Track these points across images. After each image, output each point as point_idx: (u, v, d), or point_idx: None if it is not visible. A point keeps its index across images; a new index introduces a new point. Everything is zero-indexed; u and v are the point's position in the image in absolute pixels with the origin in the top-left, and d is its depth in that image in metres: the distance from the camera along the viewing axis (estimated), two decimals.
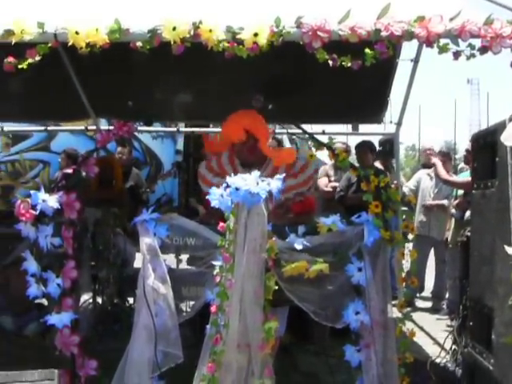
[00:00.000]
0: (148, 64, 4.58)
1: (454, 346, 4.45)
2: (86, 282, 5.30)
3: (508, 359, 2.69)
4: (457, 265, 6.36)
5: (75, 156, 6.51)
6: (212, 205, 2.75)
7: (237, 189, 2.63)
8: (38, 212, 2.94)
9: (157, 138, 8.45)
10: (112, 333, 5.05)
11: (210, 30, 3.05)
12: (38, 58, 3.18)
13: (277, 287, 2.82)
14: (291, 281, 2.90)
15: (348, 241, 3.00)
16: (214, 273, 2.80)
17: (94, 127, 6.38)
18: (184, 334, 3.15)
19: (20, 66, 3.17)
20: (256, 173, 2.69)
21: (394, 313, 3.22)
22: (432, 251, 7.28)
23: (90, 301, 5.54)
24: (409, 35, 2.96)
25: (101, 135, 3.34)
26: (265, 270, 2.77)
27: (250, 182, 2.63)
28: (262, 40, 3.03)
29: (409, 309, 3.26)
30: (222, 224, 2.76)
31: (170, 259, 3.22)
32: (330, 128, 6.32)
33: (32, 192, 2.99)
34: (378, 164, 6.65)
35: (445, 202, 6.93)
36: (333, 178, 6.77)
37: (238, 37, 3.06)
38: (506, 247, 2.59)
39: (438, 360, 4.57)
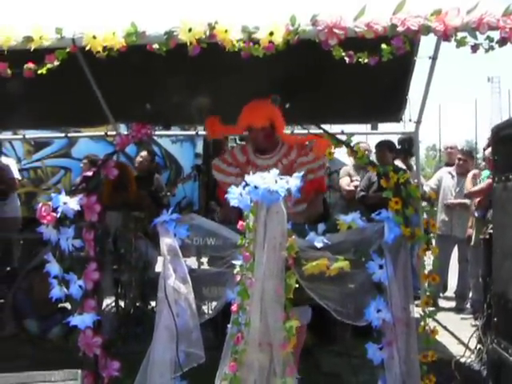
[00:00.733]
0: (165, 67, 4.61)
1: (479, 346, 4.41)
2: (108, 286, 5.34)
3: None
4: (479, 263, 6.33)
5: (97, 162, 6.57)
6: (231, 204, 2.75)
7: (255, 187, 2.63)
8: (59, 214, 2.96)
9: (176, 142, 8.50)
10: (135, 335, 5.09)
11: (226, 31, 3.06)
12: (56, 63, 3.21)
13: (297, 285, 2.82)
14: (312, 279, 2.89)
15: (368, 238, 2.98)
16: (235, 272, 2.80)
17: (114, 132, 6.44)
18: (206, 336, 3.16)
19: (39, 72, 3.20)
20: (275, 171, 2.69)
21: (417, 312, 3.19)
22: (455, 251, 7.21)
23: (113, 304, 5.58)
24: (425, 29, 2.93)
25: (120, 138, 3.36)
26: (285, 268, 2.77)
27: (268, 180, 2.63)
28: (278, 39, 3.04)
29: (432, 308, 3.22)
30: (241, 223, 2.76)
31: (190, 260, 3.24)
32: (349, 128, 6.30)
33: (53, 195, 3.02)
34: (398, 163, 6.61)
35: (467, 200, 6.86)
36: (354, 178, 6.74)
37: (253, 36, 3.07)
38: None
39: (462, 360, 4.53)
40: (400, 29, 2.94)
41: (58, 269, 3.04)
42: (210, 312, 5.02)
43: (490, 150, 5.59)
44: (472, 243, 6.57)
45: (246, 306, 2.74)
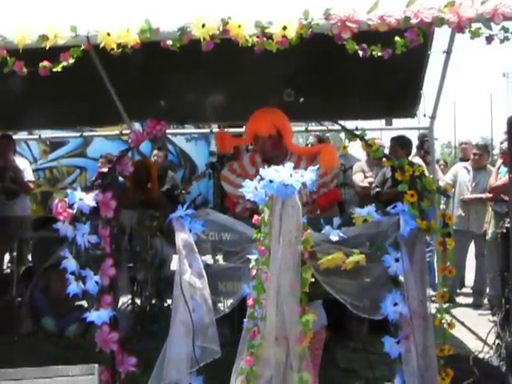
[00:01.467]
0: (178, 65, 4.64)
1: (497, 341, 4.37)
2: (124, 284, 5.37)
3: None
4: (496, 258, 6.29)
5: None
6: (246, 198, 2.75)
7: (270, 181, 2.62)
8: (75, 211, 2.98)
9: (190, 140, 8.53)
10: (150, 333, 5.11)
11: (239, 26, 3.08)
12: (71, 61, 3.23)
13: (313, 279, 2.81)
14: (328, 273, 2.87)
15: (384, 231, 2.96)
16: (250, 266, 2.80)
17: (129, 131, 6.47)
18: (222, 332, 3.15)
19: (54, 69, 3.23)
20: (290, 164, 2.69)
21: (433, 308, 3.17)
22: (471, 246, 7.16)
23: (129, 302, 5.61)
24: (439, 21, 2.92)
25: (134, 135, 3.37)
26: (301, 262, 2.76)
27: (283, 173, 2.62)
28: (291, 33, 3.04)
29: (449, 304, 3.19)
30: (256, 217, 2.76)
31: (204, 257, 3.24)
32: (363, 124, 6.28)
33: (69, 191, 3.04)
34: (418, 160, 6.56)
35: (483, 195, 6.81)
36: (368, 174, 6.71)
37: (267, 31, 3.08)
38: None
39: (481, 355, 4.50)
40: (413, 21, 2.93)
41: (75, 265, 3.04)
42: (226, 309, 5.10)
43: (506, 144, 5.54)
44: (488, 238, 6.53)
45: (261, 301, 2.73)
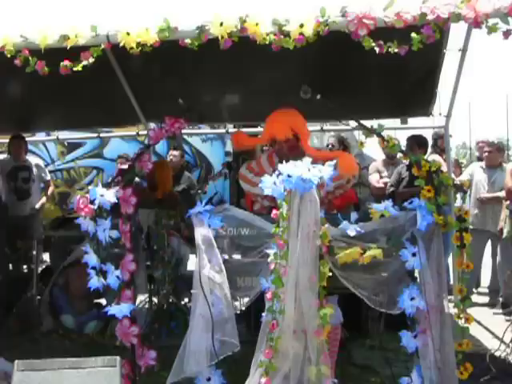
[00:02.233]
0: (195, 65, 4.69)
1: None
2: (142, 282, 5.42)
3: None
4: (510, 257, 6.28)
5: None
6: (265, 193, 2.79)
7: (289, 176, 2.66)
8: (96, 206, 3.03)
9: (206, 140, 8.58)
10: (168, 330, 5.14)
11: (257, 24, 3.12)
12: (91, 60, 3.29)
13: (330, 274, 2.84)
14: (345, 268, 2.91)
15: (401, 226, 2.99)
16: (269, 260, 2.84)
17: (145, 132, 6.53)
18: (239, 330, 3.19)
19: (75, 69, 3.29)
20: (307, 159, 2.72)
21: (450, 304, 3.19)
22: (487, 245, 7.13)
23: (146, 300, 5.66)
24: (456, 17, 2.94)
25: (153, 132, 3.42)
26: (319, 256, 2.79)
27: (301, 168, 2.66)
28: (308, 31, 3.07)
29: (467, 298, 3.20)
30: (275, 211, 2.80)
31: None
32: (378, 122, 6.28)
33: (90, 187, 3.09)
34: (436, 156, 6.53)
35: (500, 193, 6.77)
36: (384, 174, 6.70)
37: (284, 29, 3.12)
38: None
39: (497, 353, 4.50)
40: (430, 17, 2.95)
41: (96, 259, 3.09)
42: (243, 307, 5.13)
43: None
44: (503, 237, 6.50)
45: (280, 294, 2.78)
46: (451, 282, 5.88)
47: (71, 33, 3.29)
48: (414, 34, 3.03)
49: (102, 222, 3.07)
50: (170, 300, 5.55)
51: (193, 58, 4.29)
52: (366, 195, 6.90)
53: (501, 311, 6.53)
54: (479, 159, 7.62)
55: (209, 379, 3.15)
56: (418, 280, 2.97)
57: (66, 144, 8.77)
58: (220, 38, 3.13)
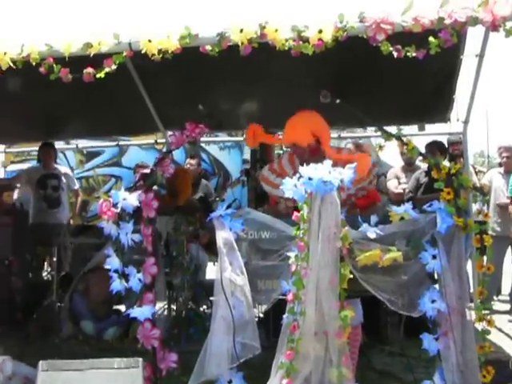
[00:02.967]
0: (214, 73, 4.74)
1: None
2: (161, 289, 5.46)
3: None
4: None
5: None
6: (286, 195, 2.82)
7: (310, 178, 2.69)
8: (119, 210, 3.08)
9: (224, 148, 8.63)
10: (187, 336, 5.17)
11: (276, 30, 3.16)
12: (114, 67, 3.35)
13: (351, 276, 2.85)
14: (365, 270, 2.92)
15: (421, 229, 3.00)
16: (290, 262, 2.86)
17: (163, 140, 6.60)
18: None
19: (98, 75, 3.35)
20: (328, 162, 2.75)
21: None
22: (508, 252, 7.08)
23: (165, 307, 5.69)
24: (473, 21, 2.95)
25: (175, 137, 3.47)
26: (339, 258, 2.81)
27: (322, 171, 2.69)
28: (327, 36, 3.11)
29: (486, 312, 3.19)
30: (296, 214, 2.82)
31: None
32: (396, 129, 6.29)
33: (113, 191, 3.14)
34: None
35: None
36: (402, 180, 6.70)
37: (303, 34, 3.16)
38: None
39: None
40: (447, 21, 2.98)
41: (118, 263, 3.12)
42: (261, 314, 5.15)
43: None
44: None
45: (301, 296, 2.79)
46: (471, 289, 5.85)
47: (94, 41, 3.36)
48: (431, 39, 3.05)
49: (125, 226, 3.12)
50: (189, 306, 5.59)
51: (211, 65, 4.34)
52: (383, 202, 6.90)
53: None
54: (500, 165, 7.59)
55: (230, 382, 3.17)
56: (439, 282, 2.97)
57: (85, 152, 8.88)
58: (240, 44, 3.18)
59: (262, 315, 5.22)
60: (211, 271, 6.05)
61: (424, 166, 6.27)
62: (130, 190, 3.17)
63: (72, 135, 7.02)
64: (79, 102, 5.41)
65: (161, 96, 5.56)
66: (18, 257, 6.11)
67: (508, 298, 7.23)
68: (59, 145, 7.18)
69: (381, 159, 7.12)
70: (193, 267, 5.70)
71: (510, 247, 7.00)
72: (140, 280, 3.15)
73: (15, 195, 8.02)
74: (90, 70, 3.36)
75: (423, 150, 6.55)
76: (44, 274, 6.51)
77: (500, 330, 5.69)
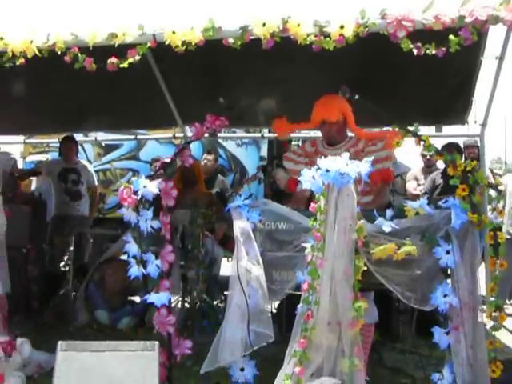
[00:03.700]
0: (233, 70, 4.80)
1: None
2: (176, 282, 5.53)
3: None
4: None
5: None
6: (303, 187, 2.87)
7: (327, 170, 2.74)
8: (139, 197, 3.14)
9: (241, 145, 8.68)
10: (200, 328, 5.23)
11: (298, 25, 3.21)
12: (137, 58, 3.41)
13: (365, 268, 2.89)
14: (379, 263, 2.96)
15: (436, 224, 3.03)
16: (306, 252, 2.90)
17: (182, 135, 6.67)
18: None
19: (121, 65, 3.42)
20: (346, 154, 2.79)
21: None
22: None
23: (180, 299, 5.76)
24: (494, 20, 2.98)
25: (195, 128, 3.53)
26: (354, 250, 2.85)
27: (340, 163, 2.73)
28: (348, 32, 3.15)
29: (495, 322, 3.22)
30: (313, 205, 2.86)
31: None
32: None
33: (134, 179, 3.20)
34: None
35: None
36: (421, 182, 6.71)
37: (324, 30, 3.20)
38: None
39: None
40: (468, 20, 3.01)
41: (137, 249, 3.18)
42: (274, 310, 5.19)
43: None
44: None
45: (316, 286, 2.83)
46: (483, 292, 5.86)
47: (119, 31, 3.42)
48: (451, 37, 3.08)
49: (144, 213, 3.17)
50: (203, 299, 5.65)
51: (231, 61, 4.41)
52: (398, 203, 6.90)
53: None
54: None
55: (242, 369, 3.23)
56: (451, 277, 3.00)
57: (103, 145, 8.97)
58: (262, 37, 3.23)
59: (275, 310, 5.27)
60: (225, 267, 6.11)
61: (442, 167, 6.29)
62: (150, 178, 3.22)
63: (91, 128, 7.09)
64: (99, 95, 5.49)
65: (180, 91, 5.62)
66: (36, 246, 6.22)
67: None
68: (78, 137, 7.26)
69: (397, 160, 7.13)
70: (208, 261, 5.77)
71: None
72: (158, 266, 3.20)
73: (33, 185, 8.13)
74: (114, 59, 3.42)
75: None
76: (62, 264, 6.57)
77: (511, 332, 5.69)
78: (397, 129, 3.38)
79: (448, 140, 6.50)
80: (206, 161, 7.18)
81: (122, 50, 3.46)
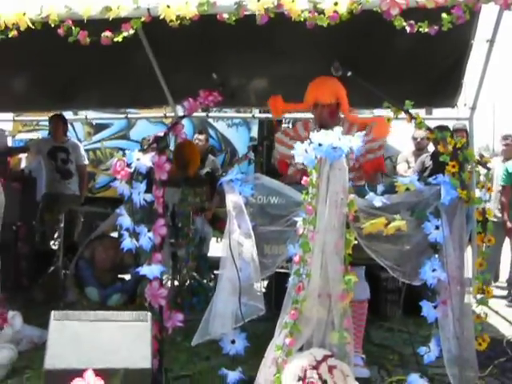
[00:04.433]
0: (225, 48, 4.79)
1: None
2: (166, 259, 5.55)
3: None
4: None
5: None
6: (296, 160, 2.90)
7: (320, 144, 2.76)
8: (132, 170, 3.14)
9: (231, 125, 8.69)
10: (190, 305, 5.27)
11: (293, 0, 3.21)
12: (131, 32, 3.41)
13: (356, 242, 2.93)
14: (369, 238, 3.00)
15: (425, 200, 3.07)
16: (297, 225, 2.93)
17: (172, 114, 6.66)
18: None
19: (115, 39, 3.41)
20: (338, 128, 2.82)
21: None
22: (507, 239, 7.17)
23: (169, 277, 5.79)
24: None
25: (188, 103, 3.54)
26: (345, 224, 2.89)
27: (332, 137, 2.76)
28: (342, 9, 3.17)
29: (483, 295, 3.27)
30: (305, 178, 2.89)
31: None
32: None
33: (127, 152, 3.21)
34: None
35: None
36: (412, 165, 6.76)
37: (318, 6, 3.21)
38: None
39: None
40: None
41: (130, 221, 3.19)
42: (263, 289, 5.23)
43: None
44: None
45: (307, 258, 2.87)
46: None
47: (113, 5, 3.41)
48: (444, 15, 3.11)
49: (137, 186, 3.18)
50: (193, 276, 5.69)
51: (223, 39, 4.40)
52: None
53: None
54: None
55: (233, 342, 3.27)
56: (440, 252, 3.05)
57: (94, 124, 8.94)
58: (257, 13, 3.24)
59: (264, 290, 5.31)
60: (214, 248, 6.15)
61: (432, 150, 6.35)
62: (143, 151, 3.23)
63: (81, 106, 7.06)
64: (90, 73, 5.47)
65: (171, 69, 5.61)
66: (25, 223, 6.22)
67: (505, 285, 7.33)
68: (68, 116, 7.23)
69: (387, 142, 7.16)
70: (197, 239, 5.81)
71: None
72: (150, 238, 3.22)
73: (23, 163, 8.10)
74: (108, 33, 3.41)
75: None
76: (52, 242, 6.58)
77: (497, 312, 5.80)
78: (388, 107, 3.34)
79: (438, 123, 6.53)
80: (197, 141, 7.19)
81: (116, 24, 3.45)
